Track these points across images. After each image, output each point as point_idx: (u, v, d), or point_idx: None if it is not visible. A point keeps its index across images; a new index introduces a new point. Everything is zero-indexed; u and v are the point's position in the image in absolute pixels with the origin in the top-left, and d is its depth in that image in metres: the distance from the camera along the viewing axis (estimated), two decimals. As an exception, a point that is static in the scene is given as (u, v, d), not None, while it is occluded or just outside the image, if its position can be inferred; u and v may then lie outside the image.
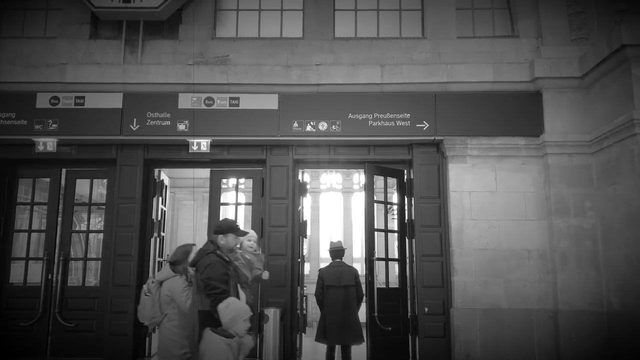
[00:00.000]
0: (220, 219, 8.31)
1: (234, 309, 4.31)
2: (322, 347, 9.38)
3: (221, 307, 4.30)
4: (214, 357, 4.26)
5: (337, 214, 28.58)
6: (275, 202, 8.19)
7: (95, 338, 7.88)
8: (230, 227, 4.91)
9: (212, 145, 8.01)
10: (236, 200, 8.53)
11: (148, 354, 8.07)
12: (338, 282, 6.97)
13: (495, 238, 7.73)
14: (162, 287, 4.87)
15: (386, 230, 8.44)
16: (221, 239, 4.80)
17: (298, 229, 8.32)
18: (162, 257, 8.86)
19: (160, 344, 4.77)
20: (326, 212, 28.52)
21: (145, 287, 4.94)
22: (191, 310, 4.60)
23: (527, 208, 7.79)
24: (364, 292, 7.22)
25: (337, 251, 7.27)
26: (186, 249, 4.99)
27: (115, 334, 7.74)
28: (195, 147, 7.94)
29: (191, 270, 4.76)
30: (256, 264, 5.80)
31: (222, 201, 8.45)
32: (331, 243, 7.35)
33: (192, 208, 18.17)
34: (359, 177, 28.95)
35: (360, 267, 26.60)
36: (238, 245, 5.40)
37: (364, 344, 7.57)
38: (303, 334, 8.20)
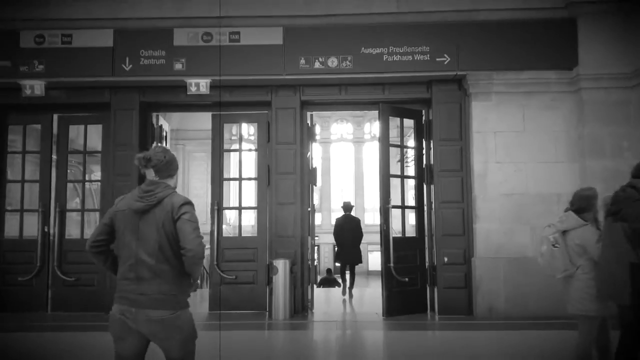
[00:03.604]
0: (224, 166, 7.78)
1: None
2: (335, 299, 9.04)
3: None
4: None
5: (349, 164, 28.17)
6: (282, 147, 7.59)
7: (96, 292, 7.51)
8: None
9: (213, 87, 7.34)
10: (240, 146, 7.93)
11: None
12: (349, 227, 9.81)
13: (521, 182, 7.11)
14: (569, 236, 4.27)
15: (402, 176, 7.84)
16: None
17: (307, 176, 7.75)
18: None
19: (573, 297, 4.23)
20: (337, 163, 28.17)
21: (551, 237, 4.33)
22: (604, 262, 4.05)
23: (558, 149, 7.12)
24: (362, 233, 10.04)
25: (347, 207, 10.10)
26: (586, 193, 4.32)
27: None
28: (193, 89, 7.29)
29: (600, 217, 4.22)
30: None
31: (225, 148, 7.85)
32: (343, 202, 10.33)
33: (204, 160, 17.63)
34: (370, 127, 28.43)
35: (372, 217, 26.61)
36: None
37: (380, 296, 7.16)
38: (315, 285, 7.77)
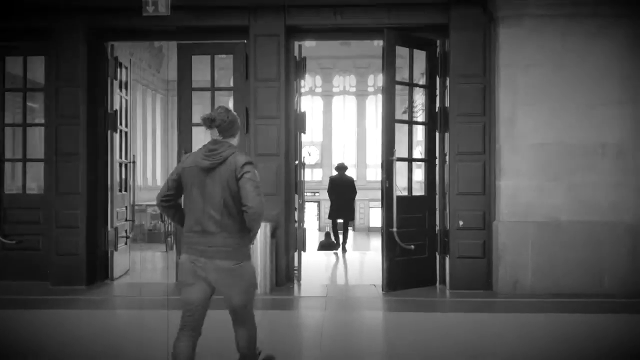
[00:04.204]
0: (193, 108, 6.41)
1: None
2: (326, 268, 7.82)
3: None
4: None
5: (351, 118, 26.83)
6: (263, 85, 6.19)
7: (42, 257, 6.29)
8: None
9: (175, 7, 5.85)
10: (212, 84, 6.49)
11: (110, 276, 6.50)
12: (342, 183, 10.04)
13: (557, 129, 5.75)
14: None
15: (410, 122, 6.48)
16: None
17: (294, 123, 6.38)
18: (126, 157, 7.06)
19: None
20: (339, 117, 26.84)
21: None
22: None
23: (605, 87, 5.71)
24: (356, 190, 10.30)
25: (342, 168, 10.26)
26: None
27: (63, 253, 6.13)
28: (150, 8, 5.81)
29: None
30: None
31: (194, 86, 6.43)
32: (337, 164, 10.57)
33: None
34: (374, 79, 27.01)
35: (374, 173, 25.67)
36: None
37: (380, 260, 5.94)
38: (302, 252, 6.52)
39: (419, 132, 7.12)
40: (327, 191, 10.20)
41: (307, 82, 26.53)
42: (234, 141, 3.01)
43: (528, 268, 5.72)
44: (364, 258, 9.33)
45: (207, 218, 2.87)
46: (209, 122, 2.93)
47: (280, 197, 6.12)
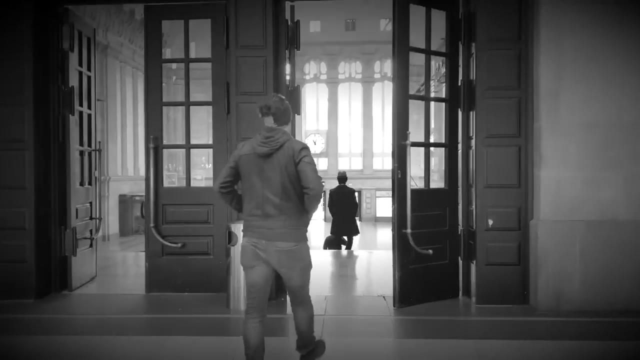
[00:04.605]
0: (163, 84, 5.31)
1: None
2: (327, 273, 6.70)
3: None
4: None
5: (357, 106, 25.93)
6: (246, 54, 5.09)
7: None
8: None
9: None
10: (186, 54, 5.35)
11: (69, 286, 5.44)
12: (343, 199, 9.62)
13: (614, 104, 4.61)
14: None
15: (427, 98, 5.33)
16: None
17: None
18: (90, 145, 5.98)
19: None
20: (345, 105, 25.93)
21: None
22: None
23: (675, 52, 4.53)
24: (357, 204, 10.39)
25: (342, 178, 9.83)
26: None
27: (6, 260, 5.08)
28: (104, -42, 4.68)
29: None
30: None
31: (164, 56, 5.32)
32: (339, 172, 10.27)
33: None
34: (380, 65, 26.03)
35: (380, 162, 24.87)
36: None
37: (391, 277, 4.84)
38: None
39: (436, 112, 5.97)
40: (327, 206, 9.93)
41: (312, 69, 25.81)
42: (287, 128, 3.12)
43: (575, 278, 4.59)
44: (371, 258, 8.21)
45: (267, 202, 2.99)
46: (266, 109, 3.06)
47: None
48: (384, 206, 15.87)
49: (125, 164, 15.16)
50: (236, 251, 4.65)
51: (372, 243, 15.36)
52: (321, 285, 5.72)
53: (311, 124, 25.15)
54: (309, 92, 25.10)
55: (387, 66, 25.15)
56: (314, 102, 25.52)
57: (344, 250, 9.36)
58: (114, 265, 7.22)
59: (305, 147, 3.03)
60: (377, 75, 25.98)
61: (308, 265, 3.12)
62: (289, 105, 3.14)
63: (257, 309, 3.05)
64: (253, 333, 3.02)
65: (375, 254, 8.91)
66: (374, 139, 24.93)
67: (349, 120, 25.95)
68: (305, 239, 3.09)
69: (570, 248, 4.61)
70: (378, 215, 22.90)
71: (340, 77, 26.24)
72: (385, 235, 13.50)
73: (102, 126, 13.22)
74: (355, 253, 8.79)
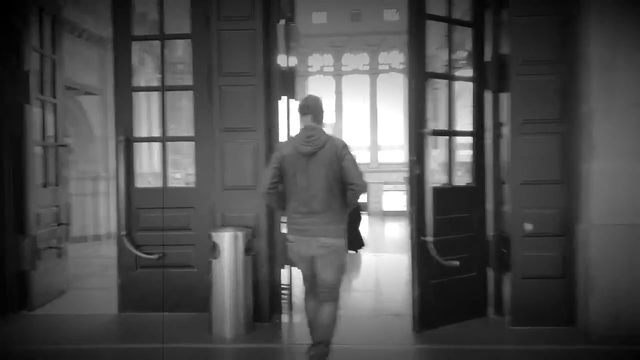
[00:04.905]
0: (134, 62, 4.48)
1: None
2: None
3: None
4: None
5: (362, 98, 25.28)
6: (230, 27, 4.24)
7: None
8: None
9: None
10: (161, 30, 4.48)
11: (29, 306, 4.63)
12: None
13: (683, 81, 3.71)
14: None
15: (450, 76, 4.46)
16: None
17: (277, 83, 4.39)
18: (55, 140, 5.17)
19: None
20: (350, 97, 25.26)
21: None
22: None
23: None
24: (361, 216, 8.74)
25: None
26: None
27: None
28: None
29: None
30: None
31: (134, 33, 4.47)
32: None
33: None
34: (386, 56, 25.27)
35: (387, 155, 24.19)
36: None
37: (409, 293, 4.01)
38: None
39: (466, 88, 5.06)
40: None
41: (317, 61, 25.11)
42: (323, 126, 3.25)
43: (637, 295, 3.73)
44: (380, 265, 7.33)
45: (314, 199, 3.13)
46: (305, 109, 3.24)
47: (259, 192, 4.17)
48: (391, 200, 15.49)
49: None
50: (224, 265, 3.82)
51: (380, 240, 14.52)
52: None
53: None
54: (313, 84, 24.44)
55: (393, 57, 24.59)
56: (317, 94, 24.93)
57: (349, 252, 8.46)
58: (91, 276, 6.38)
59: (346, 145, 3.19)
60: (383, 67, 25.36)
61: (344, 262, 3.27)
62: (322, 103, 3.30)
63: (312, 292, 3.32)
64: (314, 309, 3.29)
65: (383, 257, 8.03)
66: (380, 132, 24.28)
67: (355, 113, 25.41)
68: (345, 236, 3.22)
69: (629, 258, 3.75)
70: (385, 209, 22.34)
71: (345, 69, 25.61)
72: (393, 230, 12.71)
73: (104, 120, 12.29)
74: (361, 258, 7.90)
